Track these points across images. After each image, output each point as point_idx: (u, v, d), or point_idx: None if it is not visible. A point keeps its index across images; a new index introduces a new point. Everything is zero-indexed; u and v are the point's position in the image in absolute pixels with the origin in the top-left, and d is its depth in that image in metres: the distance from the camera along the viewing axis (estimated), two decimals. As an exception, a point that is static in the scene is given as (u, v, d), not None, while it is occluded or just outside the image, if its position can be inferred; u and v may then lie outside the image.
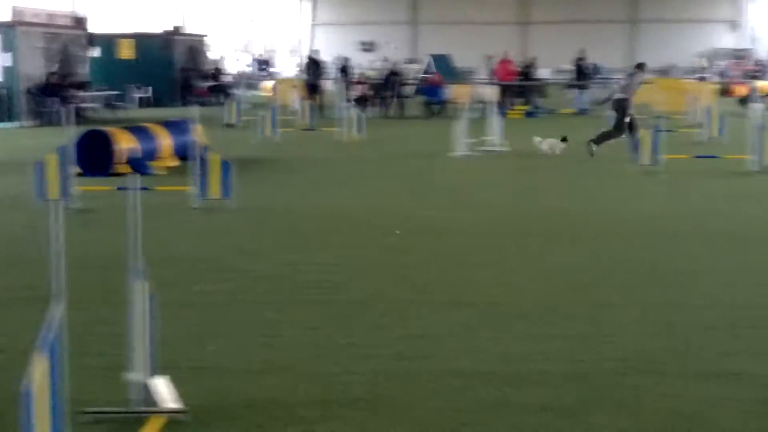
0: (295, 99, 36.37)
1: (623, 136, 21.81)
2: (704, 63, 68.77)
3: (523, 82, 40.54)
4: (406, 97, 39.82)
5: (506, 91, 38.91)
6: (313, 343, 8.14)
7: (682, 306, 9.28)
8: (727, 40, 76.70)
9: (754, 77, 51.69)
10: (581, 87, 40.47)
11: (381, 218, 14.51)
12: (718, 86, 46.40)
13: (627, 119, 21.70)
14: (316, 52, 43.67)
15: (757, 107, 22.00)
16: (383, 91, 39.04)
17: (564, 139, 22.80)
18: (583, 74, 41.05)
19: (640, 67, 23.47)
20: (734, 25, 77.40)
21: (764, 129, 19.18)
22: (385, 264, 11.32)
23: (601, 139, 22.13)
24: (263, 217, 14.69)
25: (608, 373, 7.32)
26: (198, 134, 16.98)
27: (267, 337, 8.30)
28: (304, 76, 38.62)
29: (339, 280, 10.47)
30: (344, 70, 41.16)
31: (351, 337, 8.30)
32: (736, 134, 22.96)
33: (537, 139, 21.89)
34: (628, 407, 6.65)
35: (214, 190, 15.02)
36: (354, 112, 28.83)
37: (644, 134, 19.67)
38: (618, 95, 22.47)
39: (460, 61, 54.46)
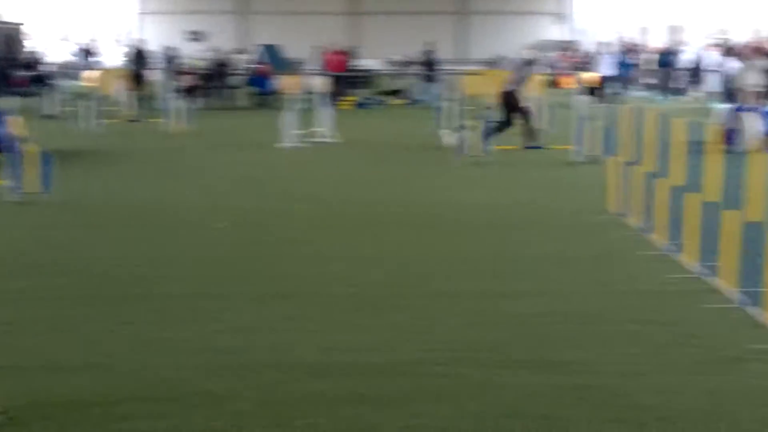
0: (119, 89, 35.65)
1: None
2: (533, 55, 70.01)
3: (354, 74, 40.55)
4: (236, 87, 39.42)
5: (337, 81, 38.85)
6: (129, 338, 7.93)
7: (505, 296, 9.31)
8: (554, 32, 78.22)
9: (581, 69, 52.72)
10: (430, 79, 40.65)
11: (205, 211, 14.25)
12: (545, 78, 47.21)
13: (516, 112, 21.66)
14: (141, 41, 42.88)
15: (581, 99, 22.35)
16: (212, 81, 38.56)
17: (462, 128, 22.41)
18: (431, 65, 41.37)
19: (529, 62, 23.72)
20: (560, 17, 78.96)
21: (587, 120, 19.52)
22: (207, 257, 11.12)
23: (489, 133, 21.91)
24: (82, 211, 14.28)
25: (430, 364, 7.28)
26: (16, 125, 16.43)
27: (80, 334, 8.05)
28: (129, 66, 37.82)
29: (156, 274, 10.25)
30: (170, 60, 40.51)
31: (168, 331, 8.11)
32: (564, 125, 23.32)
33: (444, 131, 20.07)
34: (448, 397, 6.61)
35: (32, 183, 14.54)
36: (181, 102, 28.39)
37: (475, 125, 19.80)
38: (506, 88, 22.44)
39: (291, 51, 54.23)
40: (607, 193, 13.88)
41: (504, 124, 21.73)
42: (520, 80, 22.45)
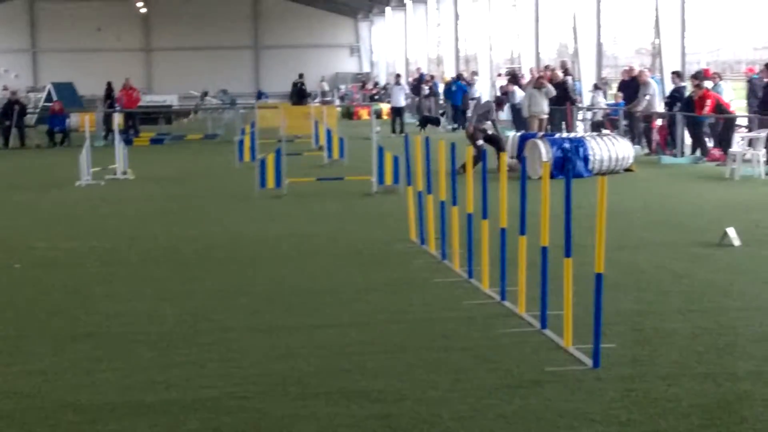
0: None
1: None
2: (326, 87, 70.59)
3: (150, 109, 40.20)
4: (28, 126, 38.51)
5: (130, 118, 38.45)
6: None
7: (302, 327, 9.37)
8: (349, 65, 79.05)
9: (376, 100, 53.45)
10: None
11: (2, 252, 13.90)
12: (341, 109, 47.69)
13: (479, 144, 21.67)
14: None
15: (377, 130, 22.66)
16: (3, 120, 37.55)
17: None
18: (301, 96, 42.46)
19: (488, 102, 24.58)
20: (354, 49, 79.88)
21: (383, 151, 19.82)
22: (2, 299, 10.86)
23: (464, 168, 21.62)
24: None
25: (231, 398, 7.28)
26: None
27: None
28: None
29: (-49, 319, 9.94)
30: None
31: (-37, 378, 7.88)
32: (360, 156, 23.59)
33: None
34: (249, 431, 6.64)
35: None
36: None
37: (269, 158, 19.85)
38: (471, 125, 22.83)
39: (84, 88, 53.42)
40: (407, 223, 14.13)
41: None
42: (475, 119, 22.91)
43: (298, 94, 46.36)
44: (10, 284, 11.74)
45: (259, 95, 64.72)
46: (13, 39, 77.27)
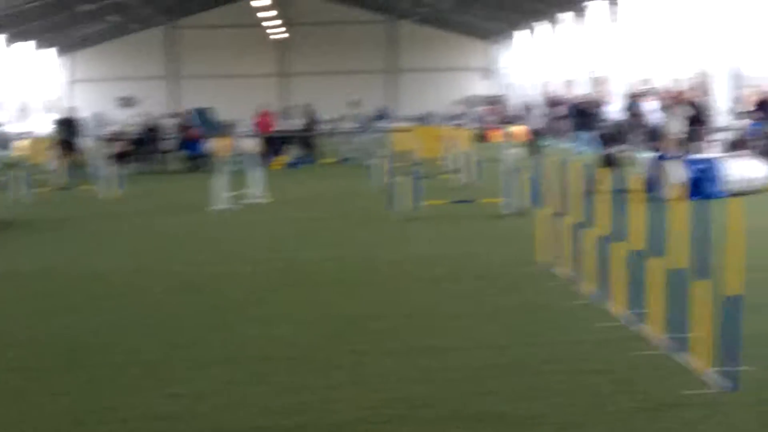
0: (50, 158, 35.45)
1: None
2: (460, 110, 70.58)
3: (284, 134, 40.72)
4: (167, 151, 39.36)
5: (267, 142, 38.98)
6: (65, 410, 7.89)
7: (434, 350, 9.40)
8: (481, 87, 78.99)
9: (508, 123, 53.29)
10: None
11: (140, 277, 14.24)
12: (473, 132, 47.63)
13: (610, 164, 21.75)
14: (72, 109, 42.73)
15: (509, 152, 22.62)
16: (143, 146, 38.48)
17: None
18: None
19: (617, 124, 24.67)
20: (487, 72, 79.78)
21: (516, 173, 19.75)
22: (144, 323, 11.10)
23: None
24: (13, 281, 14.21)
25: (365, 422, 7.34)
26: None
27: (13, 406, 7.99)
28: (59, 134, 37.66)
29: (95, 342, 10.21)
30: (101, 126, 40.36)
31: (107, 401, 8.08)
32: (493, 178, 23.58)
33: None
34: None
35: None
36: (113, 168, 28.35)
37: (404, 181, 19.97)
38: None
39: (223, 114, 54.37)
40: (536, 245, 14.07)
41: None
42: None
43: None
44: (151, 308, 11.99)
45: (380, 117, 64.22)
46: (150, 66, 79.12)
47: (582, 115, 40.92)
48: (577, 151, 39.40)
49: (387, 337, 10.02)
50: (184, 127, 39.70)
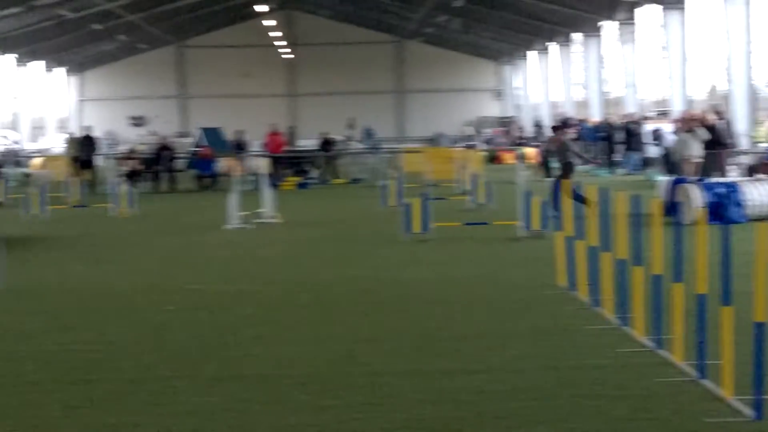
0: (65, 176, 35.54)
1: None
2: (471, 131, 70.55)
3: (294, 154, 40.80)
4: (178, 170, 39.42)
5: (277, 162, 39.01)
6: (78, 424, 7.83)
7: (451, 372, 9.30)
8: (492, 108, 79.05)
9: (520, 144, 53.28)
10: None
11: (152, 294, 14.20)
12: (485, 154, 47.58)
13: None
14: (89, 128, 42.83)
15: (523, 174, 22.56)
16: (154, 165, 38.54)
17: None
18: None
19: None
20: (498, 93, 79.85)
21: (531, 195, 19.66)
22: (156, 341, 11.05)
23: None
24: (30, 297, 14.17)
25: (385, 444, 7.26)
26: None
27: (31, 419, 7.94)
28: (72, 152, 37.74)
29: (107, 358, 10.17)
30: (113, 145, 40.49)
31: (120, 416, 8.02)
32: (507, 200, 23.53)
33: None
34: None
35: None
36: (125, 187, 28.38)
37: (414, 203, 19.90)
38: None
39: (231, 133, 54.44)
40: (555, 268, 13.98)
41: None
42: None
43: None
44: (163, 326, 11.93)
45: (369, 135, 61.82)
46: (161, 85, 79.40)
47: (630, 135, 40.31)
48: (599, 173, 39.10)
49: (402, 358, 9.93)
50: (195, 147, 39.79)
